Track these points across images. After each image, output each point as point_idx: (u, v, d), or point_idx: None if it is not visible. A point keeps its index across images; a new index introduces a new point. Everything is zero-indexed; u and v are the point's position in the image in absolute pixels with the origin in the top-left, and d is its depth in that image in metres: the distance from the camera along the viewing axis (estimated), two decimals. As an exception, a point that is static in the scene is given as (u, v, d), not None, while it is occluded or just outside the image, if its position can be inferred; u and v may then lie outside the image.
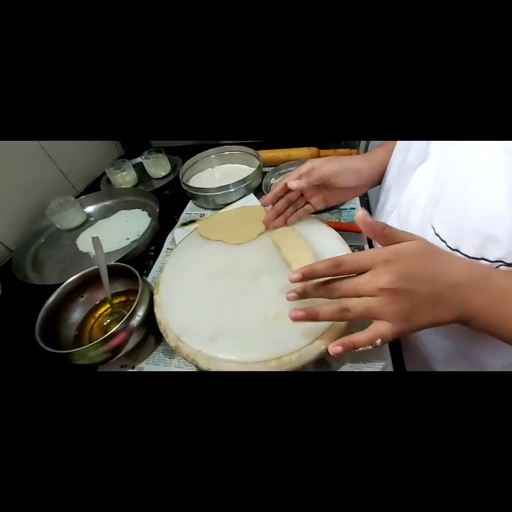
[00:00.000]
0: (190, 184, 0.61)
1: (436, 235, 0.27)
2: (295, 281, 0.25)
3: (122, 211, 0.63)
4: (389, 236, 0.24)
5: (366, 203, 0.55)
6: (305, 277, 0.25)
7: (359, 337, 0.23)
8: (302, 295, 0.26)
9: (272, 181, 0.62)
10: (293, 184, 0.36)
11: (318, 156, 0.65)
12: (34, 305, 0.38)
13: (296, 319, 0.25)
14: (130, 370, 0.36)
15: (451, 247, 0.26)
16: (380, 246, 0.25)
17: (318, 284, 0.25)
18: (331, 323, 0.30)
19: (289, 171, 0.64)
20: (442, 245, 0.26)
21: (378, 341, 0.23)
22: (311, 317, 0.25)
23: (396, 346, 0.34)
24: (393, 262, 0.23)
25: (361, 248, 0.45)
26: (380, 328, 0.23)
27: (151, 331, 0.37)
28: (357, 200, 0.53)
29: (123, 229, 0.58)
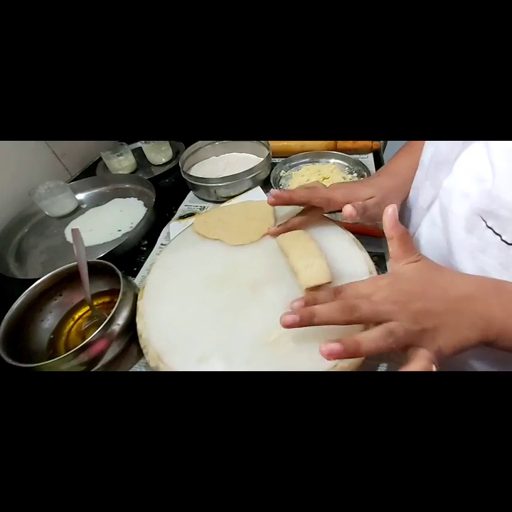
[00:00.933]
0: (191, 173, 0.56)
1: (489, 227, 0.25)
2: (297, 309, 0.21)
3: (117, 199, 0.58)
4: (408, 241, 0.24)
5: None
6: (307, 303, 0.21)
7: (411, 369, 0.19)
8: (306, 319, 0.20)
9: (281, 174, 0.56)
10: (349, 212, 0.29)
11: (335, 148, 0.58)
12: (12, 301, 0.33)
13: (330, 356, 0.18)
14: (108, 384, 0.32)
15: (507, 241, 0.24)
16: (391, 251, 0.24)
17: (328, 304, 0.21)
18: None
19: (301, 164, 0.58)
20: (496, 239, 0.24)
21: (434, 367, 0.19)
22: (352, 351, 0.19)
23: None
24: (395, 283, 0.22)
25: (381, 255, 0.39)
26: (424, 354, 0.19)
27: (134, 340, 0.32)
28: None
29: (116, 219, 0.53)
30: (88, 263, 0.34)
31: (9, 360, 0.27)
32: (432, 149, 0.32)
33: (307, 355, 0.24)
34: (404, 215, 0.42)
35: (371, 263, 0.31)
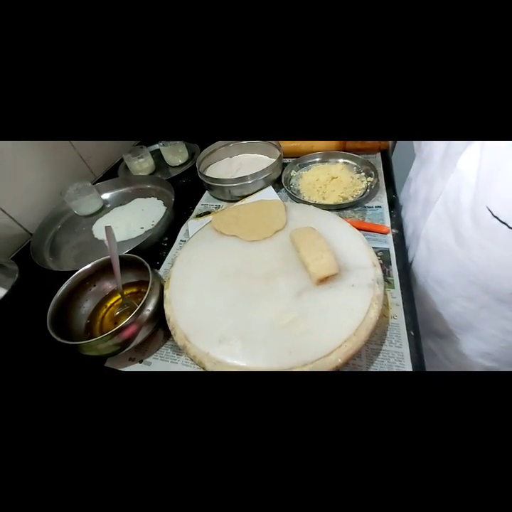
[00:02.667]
0: (207, 173, 0.59)
1: (495, 217, 0.25)
2: None
3: (138, 199, 0.62)
4: None
5: (393, 200, 0.51)
6: None
7: None
8: None
9: (292, 174, 0.59)
10: None
11: (344, 148, 0.60)
12: (50, 290, 0.38)
13: None
14: (138, 363, 0.36)
15: None
16: None
17: None
18: (351, 333, 0.27)
19: (311, 164, 0.60)
20: (502, 228, 0.24)
21: None
22: None
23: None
24: None
25: (386, 251, 0.42)
26: None
27: (161, 325, 0.37)
28: (384, 198, 0.49)
29: (138, 217, 0.58)
30: (119, 257, 0.39)
31: (58, 339, 0.32)
32: (446, 143, 0.33)
33: (317, 338, 0.27)
34: (414, 209, 0.44)
35: (375, 257, 0.34)
